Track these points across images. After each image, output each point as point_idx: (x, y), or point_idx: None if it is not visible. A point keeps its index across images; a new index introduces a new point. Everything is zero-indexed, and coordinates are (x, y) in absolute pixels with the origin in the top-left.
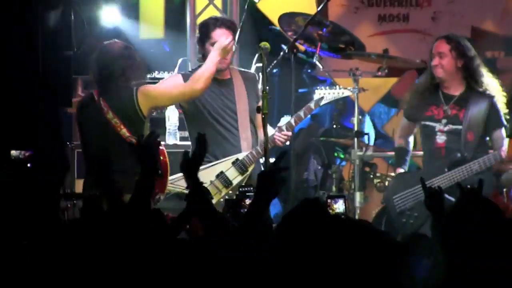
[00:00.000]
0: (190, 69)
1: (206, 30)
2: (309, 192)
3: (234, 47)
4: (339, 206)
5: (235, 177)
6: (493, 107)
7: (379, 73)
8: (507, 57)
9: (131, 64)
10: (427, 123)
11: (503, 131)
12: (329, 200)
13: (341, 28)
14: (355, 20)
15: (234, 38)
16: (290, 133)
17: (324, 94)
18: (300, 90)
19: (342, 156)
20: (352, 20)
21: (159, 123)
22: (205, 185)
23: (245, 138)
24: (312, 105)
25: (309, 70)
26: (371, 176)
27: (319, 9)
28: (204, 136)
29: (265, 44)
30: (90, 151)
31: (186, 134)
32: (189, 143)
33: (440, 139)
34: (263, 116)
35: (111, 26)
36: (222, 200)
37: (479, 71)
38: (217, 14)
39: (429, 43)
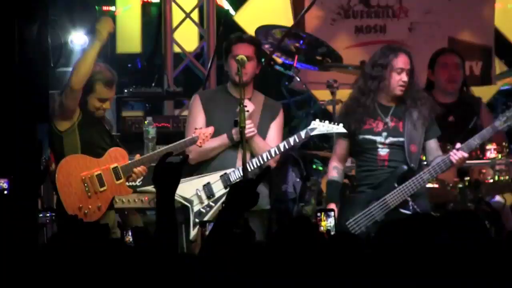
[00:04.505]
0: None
1: (228, 44)
2: (288, 205)
3: (253, 63)
4: (330, 222)
5: (219, 190)
6: (429, 118)
7: None
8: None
9: None
10: (367, 136)
11: (436, 140)
12: (318, 214)
13: (318, 40)
14: (332, 32)
15: (256, 53)
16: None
17: (318, 126)
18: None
19: (320, 168)
20: (329, 32)
21: (138, 137)
22: (191, 193)
23: (241, 157)
24: (303, 134)
25: (286, 83)
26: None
27: (295, 21)
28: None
29: (242, 58)
30: None
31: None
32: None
33: (383, 151)
34: (240, 130)
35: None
36: (202, 209)
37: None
38: (194, 28)
39: None
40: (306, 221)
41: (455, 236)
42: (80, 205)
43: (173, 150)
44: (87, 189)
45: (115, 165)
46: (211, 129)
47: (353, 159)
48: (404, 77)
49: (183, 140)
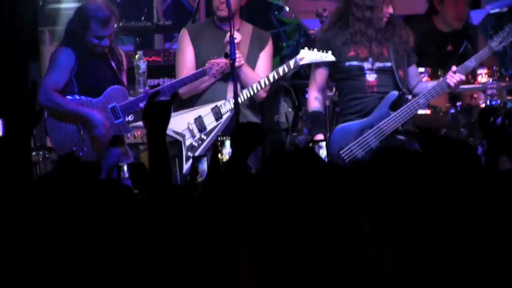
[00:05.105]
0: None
1: None
2: (280, 135)
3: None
4: (322, 153)
5: (210, 123)
6: (409, 43)
7: None
8: None
9: None
10: (353, 63)
11: (415, 66)
12: (310, 145)
13: None
14: None
15: None
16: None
17: (307, 55)
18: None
19: None
20: None
21: (129, 72)
22: (182, 127)
23: (232, 89)
24: (291, 63)
25: (276, 12)
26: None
27: None
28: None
29: None
30: None
31: (155, 82)
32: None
33: (371, 77)
34: (231, 62)
35: None
36: (194, 143)
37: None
38: None
39: None
40: (309, 151)
41: (447, 165)
42: (74, 148)
43: (185, 82)
44: (81, 132)
45: (113, 104)
46: (226, 60)
47: (337, 87)
48: (390, 9)
49: (195, 72)
